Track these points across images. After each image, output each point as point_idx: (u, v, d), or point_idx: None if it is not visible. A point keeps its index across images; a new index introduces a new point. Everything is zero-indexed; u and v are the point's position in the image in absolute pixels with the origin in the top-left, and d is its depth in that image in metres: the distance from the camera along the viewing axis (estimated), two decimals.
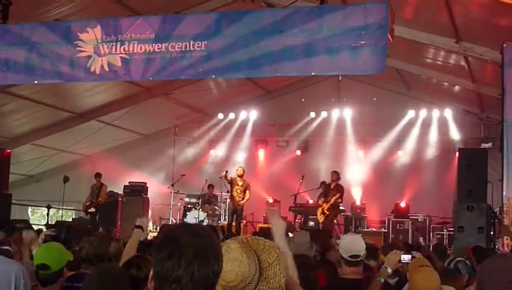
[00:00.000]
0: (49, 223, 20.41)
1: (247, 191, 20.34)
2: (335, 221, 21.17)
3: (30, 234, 8.43)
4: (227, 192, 22.57)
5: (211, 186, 22.85)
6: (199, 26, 12.14)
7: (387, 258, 6.34)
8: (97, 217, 21.02)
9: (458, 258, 7.27)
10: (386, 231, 22.22)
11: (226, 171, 20.64)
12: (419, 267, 5.91)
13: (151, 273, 2.78)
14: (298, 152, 26.52)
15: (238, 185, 20.39)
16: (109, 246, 7.21)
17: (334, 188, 19.62)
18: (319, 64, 11.39)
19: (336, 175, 19.88)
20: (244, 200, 20.25)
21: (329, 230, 18.67)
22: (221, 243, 3.22)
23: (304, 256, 6.24)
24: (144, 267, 5.65)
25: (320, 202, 19.84)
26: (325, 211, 19.39)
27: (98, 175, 21.60)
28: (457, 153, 17.32)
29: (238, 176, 20.53)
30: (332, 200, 19.34)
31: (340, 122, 25.70)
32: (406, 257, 6.24)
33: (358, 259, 6.22)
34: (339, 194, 19.52)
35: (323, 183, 20.82)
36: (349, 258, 6.22)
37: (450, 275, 6.49)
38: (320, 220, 19.57)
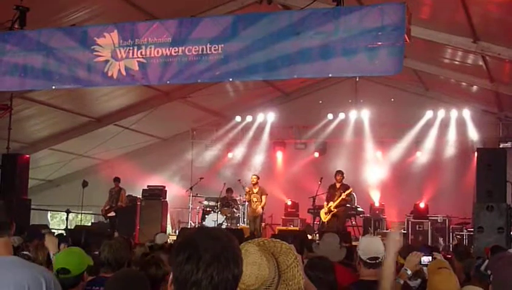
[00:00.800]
0: (68, 227, 20.50)
1: (263, 197, 20.67)
2: (353, 222, 21.20)
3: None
4: (246, 195, 22.69)
5: (229, 190, 22.87)
6: (216, 29, 12.13)
7: (407, 260, 6.32)
8: (116, 222, 21.12)
9: None
10: (405, 232, 22.13)
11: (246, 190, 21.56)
12: (438, 269, 5.89)
13: (170, 276, 2.78)
14: (316, 154, 26.51)
15: (253, 192, 20.71)
16: (129, 250, 7.20)
17: (340, 187, 19.62)
18: (336, 66, 11.36)
19: (341, 175, 19.89)
20: (260, 206, 20.59)
21: (346, 233, 18.67)
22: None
23: (322, 258, 6.25)
24: (163, 265, 5.68)
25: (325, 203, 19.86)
26: (332, 209, 19.38)
27: (116, 179, 21.72)
28: (476, 153, 17.27)
29: (253, 184, 20.87)
30: (344, 195, 19.39)
31: (357, 123, 25.66)
32: (425, 259, 6.22)
33: (377, 261, 6.20)
34: (350, 190, 19.64)
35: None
36: (368, 260, 6.21)
37: (484, 281, 6.42)
38: (325, 219, 19.55)
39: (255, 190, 20.95)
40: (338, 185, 19.73)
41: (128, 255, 6.84)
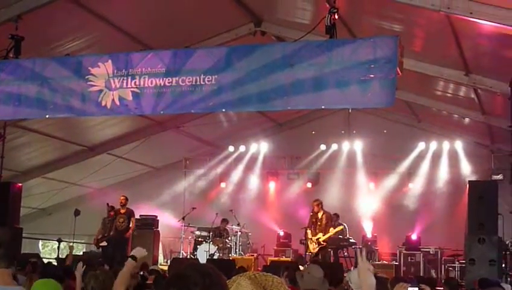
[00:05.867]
0: (60, 256, 20.41)
1: (131, 219, 20.46)
2: (345, 254, 21.17)
3: None
4: (238, 225, 22.63)
5: (224, 220, 22.88)
6: (210, 60, 12.17)
7: None
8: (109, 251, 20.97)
9: None
10: (397, 263, 22.12)
11: (108, 205, 21.18)
12: None
13: None
14: (309, 185, 26.50)
15: (120, 213, 20.48)
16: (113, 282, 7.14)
17: (323, 217, 19.59)
18: (329, 98, 11.40)
19: (316, 204, 19.88)
20: (131, 228, 20.52)
21: (338, 264, 18.67)
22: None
23: None
24: None
25: (310, 232, 19.74)
26: (322, 243, 19.38)
27: (111, 208, 21.42)
28: (467, 185, 17.32)
29: (121, 205, 20.60)
30: (334, 231, 19.46)
31: (350, 154, 25.72)
32: None
33: None
34: (340, 228, 19.80)
35: (335, 215, 20.97)
36: None
37: None
38: (314, 251, 19.52)
39: (122, 211, 20.70)
40: (320, 214, 19.69)
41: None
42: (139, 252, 6.67)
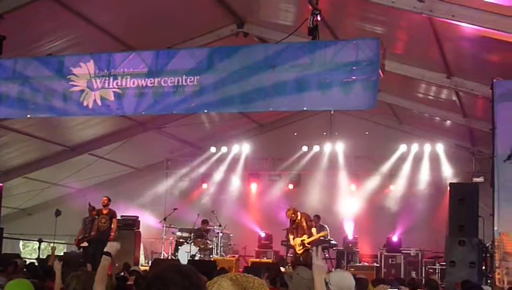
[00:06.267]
0: (40, 257, 20.31)
1: (113, 220, 20.14)
2: (326, 255, 21.17)
3: None
4: (219, 226, 22.58)
5: (205, 221, 22.78)
6: (192, 61, 12.18)
7: None
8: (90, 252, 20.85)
9: None
10: (378, 265, 22.17)
11: (90, 205, 20.70)
12: None
13: None
14: (290, 186, 26.49)
15: (103, 214, 20.23)
16: None
17: (302, 220, 19.58)
18: (310, 100, 11.42)
19: (294, 209, 19.88)
20: (113, 229, 20.01)
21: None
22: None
23: None
24: None
25: (293, 236, 19.72)
26: (306, 245, 19.39)
27: (92, 208, 21.24)
28: (448, 188, 17.39)
29: (103, 205, 20.33)
30: (318, 236, 19.49)
31: (332, 156, 25.72)
32: None
33: None
34: (325, 233, 19.86)
35: (316, 216, 20.96)
36: None
37: None
38: (299, 252, 19.50)
39: (105, 212, 20.15)
40: (298, 218, 19.68)
41: None
42: (113, 246, 6.47)
